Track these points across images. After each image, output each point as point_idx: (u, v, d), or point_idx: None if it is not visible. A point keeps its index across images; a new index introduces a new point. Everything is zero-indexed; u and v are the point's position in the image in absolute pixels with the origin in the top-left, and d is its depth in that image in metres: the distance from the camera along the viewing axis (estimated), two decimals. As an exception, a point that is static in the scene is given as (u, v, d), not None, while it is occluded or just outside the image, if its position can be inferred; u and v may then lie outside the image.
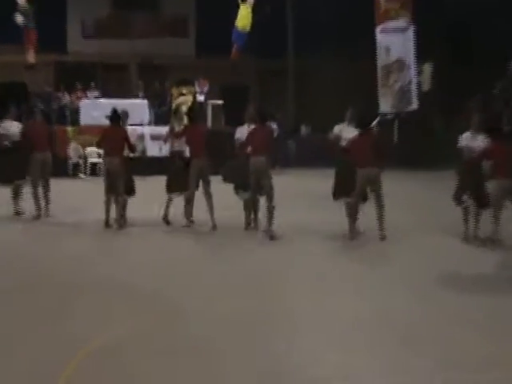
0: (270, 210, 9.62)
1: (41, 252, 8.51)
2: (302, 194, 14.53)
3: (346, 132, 9.96)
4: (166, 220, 10.69)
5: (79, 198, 13.30)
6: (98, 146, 11.47)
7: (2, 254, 8.30)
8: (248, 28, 21.95)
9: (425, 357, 4.65)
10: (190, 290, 6.52)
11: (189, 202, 10.44)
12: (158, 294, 6.29)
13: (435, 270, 7.48)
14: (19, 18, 21.20)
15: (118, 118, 10.61)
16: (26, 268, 7.47)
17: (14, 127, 11.50)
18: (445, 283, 6.89)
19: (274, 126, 19.50)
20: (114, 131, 10.48)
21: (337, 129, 10.17)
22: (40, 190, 11.43)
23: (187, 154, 10.75)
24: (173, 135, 10.88)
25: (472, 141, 9.38)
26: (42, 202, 11.43)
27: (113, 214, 10.36)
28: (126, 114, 10.97)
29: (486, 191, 9.29)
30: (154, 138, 19.65)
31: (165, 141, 11.29)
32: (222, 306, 5.85)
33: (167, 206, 10.69)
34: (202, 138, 10.71)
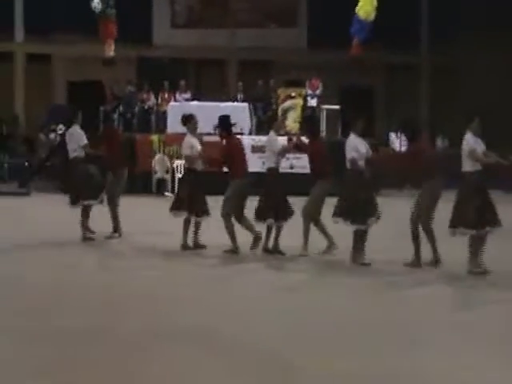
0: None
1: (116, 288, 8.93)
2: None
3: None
4: (273, 250, 11.15)
5: (162, 219, 13.79)
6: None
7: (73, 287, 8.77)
8: (372, 16, 22.10)
9: None
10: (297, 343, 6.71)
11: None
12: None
13: None
14: (95, 4, 21.94)
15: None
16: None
17: (77, 135, 12.18)
18: None
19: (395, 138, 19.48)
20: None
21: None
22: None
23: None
24: (293, 147, 11.55)
25: None
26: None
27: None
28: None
29: None
30: (257, 149, 19.85)
31: (282, 154, 11.67)
32: (341, 364, 5.94)
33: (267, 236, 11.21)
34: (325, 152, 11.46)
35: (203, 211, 11.32)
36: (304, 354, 6.19)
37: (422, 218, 10.50)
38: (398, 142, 22.66)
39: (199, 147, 11.41)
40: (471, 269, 9.90)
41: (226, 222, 11.06)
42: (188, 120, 11.58)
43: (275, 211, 11.10)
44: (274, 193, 11.19)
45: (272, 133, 11.46)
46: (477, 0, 25.56)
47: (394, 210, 13.28)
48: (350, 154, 10.56)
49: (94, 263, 10.89)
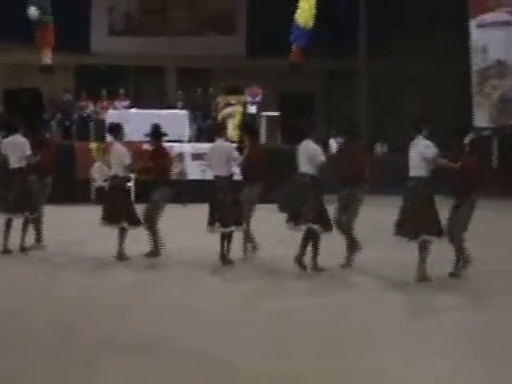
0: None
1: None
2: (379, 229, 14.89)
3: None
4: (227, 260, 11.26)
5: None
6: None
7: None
8: (311, 23, 22.58)
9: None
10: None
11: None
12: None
13: None
14: (32, 11, 21.67)
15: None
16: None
17: (21, 144, 11.90)
18: None
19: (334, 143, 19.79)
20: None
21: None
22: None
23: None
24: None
25: None
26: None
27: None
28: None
29: None
30: (197, 157, 20.03)
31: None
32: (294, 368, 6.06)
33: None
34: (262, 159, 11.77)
35: (136, 220, 11.42)
36: (256, 363, 6.28)
37: (346, 224, 10.90)
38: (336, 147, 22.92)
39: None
40: (420, 275, 10.09)
41: (149, 225, 11.26)
42: (117, 129, 11.61)
43: (223, 218, 11.22)
44: (223, 200, 11.27)
45: (220, 140, 11.58)
46: (414, 8, 26.32)
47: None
48: (316, 159, 10.65)
49: (43, 275, 10.69)
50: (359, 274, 10.58)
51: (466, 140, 15.46)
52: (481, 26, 25.57)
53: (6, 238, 11.79)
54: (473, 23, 25.67)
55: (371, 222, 15.77)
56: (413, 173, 10.05)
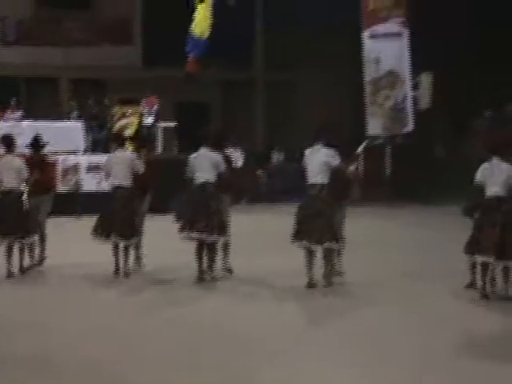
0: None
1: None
2: (274, 236, 15.01)
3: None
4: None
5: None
6: None
7: None
8: (207, 33, 22.39)
9: None
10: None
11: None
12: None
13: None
14: None
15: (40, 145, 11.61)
16: None
17: None
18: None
19: (236, 152, 19.88)
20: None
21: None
22: None
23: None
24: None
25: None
26: None
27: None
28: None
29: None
30: (92, 169, 19.83)
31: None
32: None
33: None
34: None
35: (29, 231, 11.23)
36: (145, 374, 6.35)
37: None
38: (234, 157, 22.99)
39: None
40: (327, 281, 10.27)
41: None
42: (8, 141, 11.33)
43: (122, 229, 11.11)
44: (122, 210, 11.16)
45: (121, 150, 11.47)
46: (311, 19, 26.37)
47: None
48: (220, 166, 10.79)
49: None
50: (255, 282, 10.65)
51: (360, 149, 15.82)
52: (373, 36, 25.67)
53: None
54: (366, 34, 25.72)
55: (269, 229, 15.93)
56: (314, 180, 10.17)
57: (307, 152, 10.44)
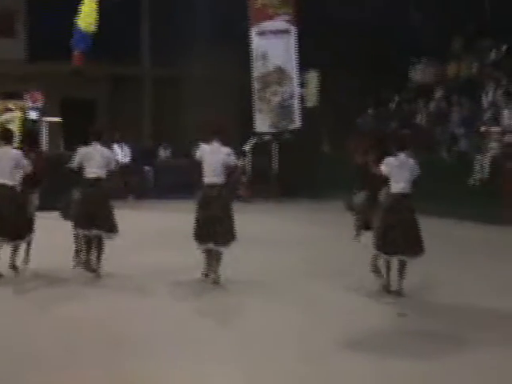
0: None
1: None
2: (163, 232, 15.17)
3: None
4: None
5: None
6: None
7: None
8: (93, 27, 22.63)
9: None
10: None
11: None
12: None
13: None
14: None
15: None
16: None
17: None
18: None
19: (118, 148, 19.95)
20: None
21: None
22: None
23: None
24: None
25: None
26: None
27: None
28: None
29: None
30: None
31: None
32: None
33: None
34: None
35: None
36: (22, 374, 6.32)
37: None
38: (120, 153, 22.99)
39: None
40: (216, 279, 10.34)
41: None
42: None
43: (10, 230, 10.83)
44: (7, 211, 10.94)
45: (6, 147, 11.22)
46: (199, 14, 26.85)
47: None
48: (111, 164, 10.91)
49: None
50: (149, 277, 10.71)
51: (247, 145, 15.65)
52: (261, 33, 26.30)
53: None
54: (253, 30, 26.29)
55: (157, 226, 16.06)
56: (213, 180, 10.21)
57: (207, 149, 10.44)
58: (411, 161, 9.95)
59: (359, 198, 10.58)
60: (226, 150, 10.29)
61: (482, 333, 8.18)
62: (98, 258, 10.74)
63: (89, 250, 10.93)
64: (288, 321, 8.52)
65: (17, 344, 7.34)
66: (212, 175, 10.23)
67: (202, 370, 6.60)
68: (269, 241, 14.38)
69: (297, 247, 13.88)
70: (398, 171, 9.86)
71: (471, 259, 12.91)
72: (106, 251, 10.98)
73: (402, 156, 9.95)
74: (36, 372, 6.48)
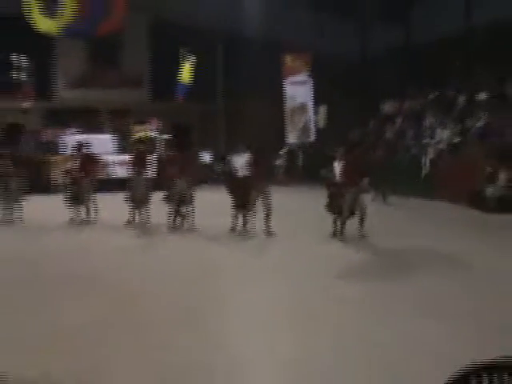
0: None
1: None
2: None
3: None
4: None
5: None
6: None
7: None
8: (189, 81, 30.44)
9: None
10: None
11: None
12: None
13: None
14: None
15: None
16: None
17: None
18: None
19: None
20: None
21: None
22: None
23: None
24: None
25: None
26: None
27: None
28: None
29: None
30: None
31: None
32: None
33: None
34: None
35: None
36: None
37: None
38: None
39: None
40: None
41: None
42: None
43: None
44: None
45: None
46: (246, 71, 32.36)
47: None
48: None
49: None
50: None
51: (282, 151, 24.09)
52: (291, 83, 32.32)
53: None
54: (286, 81, 32.42)
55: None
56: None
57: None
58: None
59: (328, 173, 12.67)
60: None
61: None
62: None
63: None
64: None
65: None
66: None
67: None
68: (293, 209, 17.43)
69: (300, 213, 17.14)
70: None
71: (416, 214, 17.25)
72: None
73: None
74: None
